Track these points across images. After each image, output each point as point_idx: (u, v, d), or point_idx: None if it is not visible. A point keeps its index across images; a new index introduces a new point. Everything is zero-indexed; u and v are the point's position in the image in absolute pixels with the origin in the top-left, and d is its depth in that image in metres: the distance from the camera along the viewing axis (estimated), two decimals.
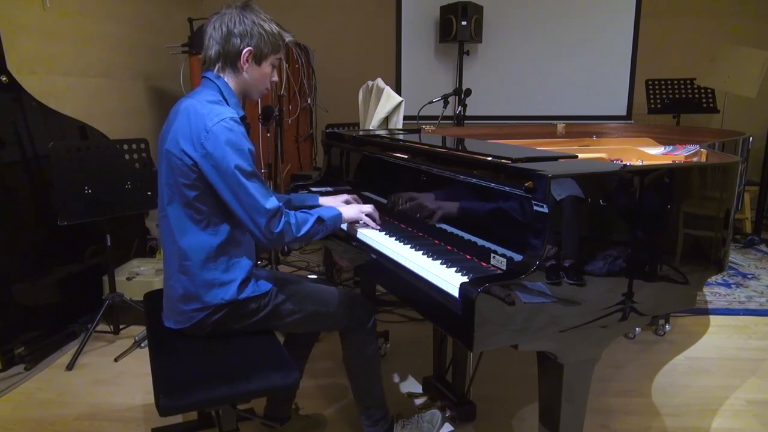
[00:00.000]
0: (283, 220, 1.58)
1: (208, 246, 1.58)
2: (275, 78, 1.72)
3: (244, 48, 1.59)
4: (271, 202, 1.55)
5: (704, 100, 4.80)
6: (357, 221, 1.86)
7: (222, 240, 1.59)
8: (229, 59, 1.61)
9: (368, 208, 1.87)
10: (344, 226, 1.90)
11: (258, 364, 1.56)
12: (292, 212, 1.64)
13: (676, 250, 1.51)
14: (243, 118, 1.59)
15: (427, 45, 5.42)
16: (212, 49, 1.61)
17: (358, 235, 1.84)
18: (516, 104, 5.44)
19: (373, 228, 1.84)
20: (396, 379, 2.48)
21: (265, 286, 1.68)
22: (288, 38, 1.69)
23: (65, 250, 2.92)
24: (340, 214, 1.77)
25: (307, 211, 1.71)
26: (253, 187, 1.52)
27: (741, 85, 4.46)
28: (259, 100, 3.76)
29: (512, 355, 2.59)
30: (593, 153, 2.08)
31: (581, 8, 5.24)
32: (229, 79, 1.64)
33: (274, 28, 1.64)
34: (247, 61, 1.61)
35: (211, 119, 1.50)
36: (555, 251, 1.27)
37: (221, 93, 1.61)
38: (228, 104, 1.61)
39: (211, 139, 1.49)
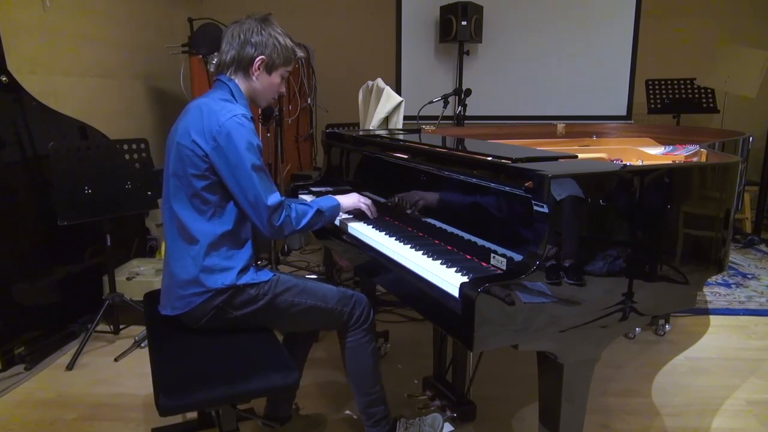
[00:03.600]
0: (284, 214, 1.67)
1: (211, 234, 1.64)
2: (283, 89, 1.82)
3: (257, 56, 1.69)
4: (274, 198, 1.64)
5: (704, 100, 4.80)
6: (356, 209, 1.95)
7: (225, 230, 1.65)
8: (242, 65, 1.70)
9: (366, 200, 1.96)
10: (336, 221, 1.97)
11: (258, 364, 1.56)
12: (293, 205, 1.73)
13: (676, 250, 1.50)
14: (251, 119, 1.67)
15: (427, 45, 5.41)
16: (228, 54, 1.70)
17: (359, 235, 1.85)
18: (516, 104, 5.44)
19: (372, 215, 1.94)
20: (396, 379, 2.48)
21: (264, 275, 1.72)
22: (299, 54, 1.79)
23: (65, 250, 2.92)
24: (338, 204, 1.87)
25: (306, 203, 1.79)
26: (258, 181, 1.61)
27: (741, 85, 4.46)
28: None
29: (512, 355, 2.59)
30: (593, 153, 2.08)
31: (581, 8, 5.23)
32: (240, 83, 1.73)
33: (288, 42, 1.74)
34: (258, 68, 1.71)
35: (224, 115, 1.59)
36: (555, 251, 1.27)
37: (232, 93, 1.70)
38: (237, 103, 1.69)
39: (223, 133, 1.57)
